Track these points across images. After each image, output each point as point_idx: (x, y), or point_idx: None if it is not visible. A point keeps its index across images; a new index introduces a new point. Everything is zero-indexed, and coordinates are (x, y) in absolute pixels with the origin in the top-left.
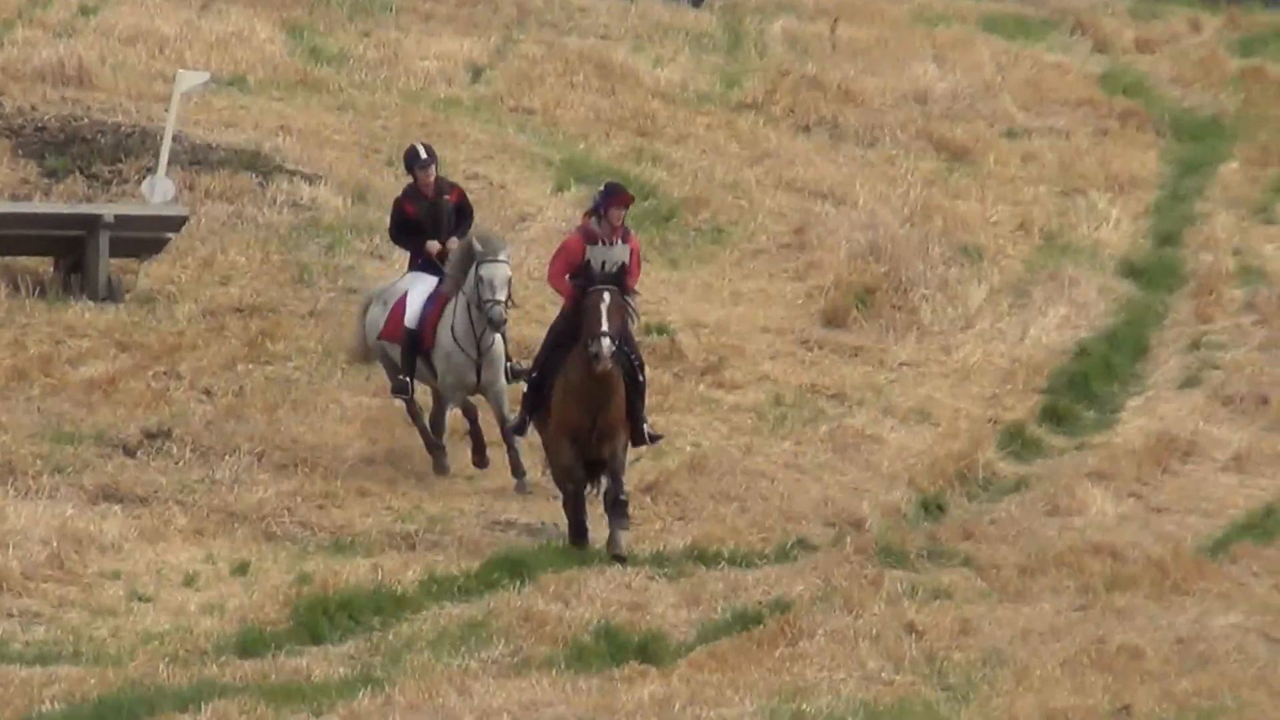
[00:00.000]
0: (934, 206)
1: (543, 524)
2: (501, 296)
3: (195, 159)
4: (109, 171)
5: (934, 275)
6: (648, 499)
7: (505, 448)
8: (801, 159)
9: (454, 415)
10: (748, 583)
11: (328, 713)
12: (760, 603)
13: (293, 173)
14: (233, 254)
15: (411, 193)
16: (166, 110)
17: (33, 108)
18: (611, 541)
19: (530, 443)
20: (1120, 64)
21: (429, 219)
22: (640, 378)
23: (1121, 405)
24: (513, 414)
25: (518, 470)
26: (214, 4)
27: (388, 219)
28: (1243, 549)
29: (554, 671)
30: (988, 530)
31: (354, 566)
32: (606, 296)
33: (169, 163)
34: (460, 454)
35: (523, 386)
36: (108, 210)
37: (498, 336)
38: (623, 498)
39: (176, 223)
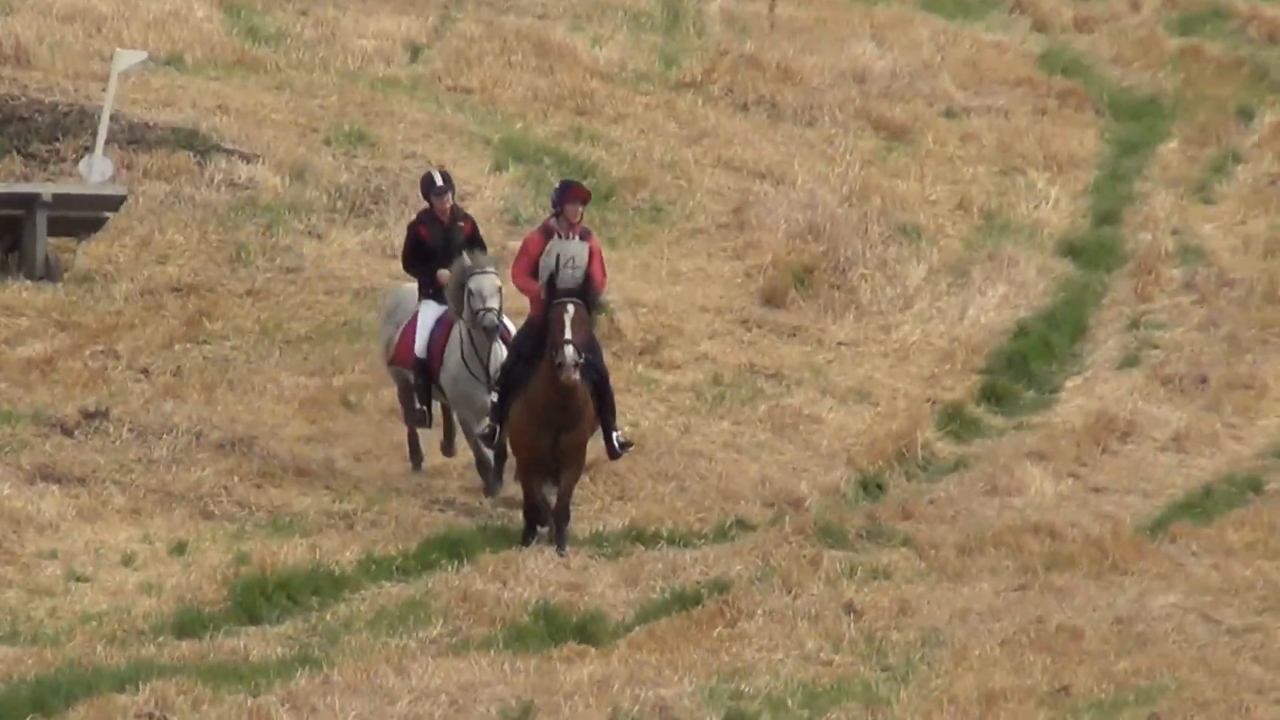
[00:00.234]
0: (873, 186)
1: (481, 504)
2: (493, 305)
3: (133, 138)
4: (46, 151)
5: (873, 255)
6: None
7: (476, 462)
8: (740, 138)
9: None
10: (686, 563)
11: (266, 693)
12: (699, 583)
13: (230, 152)
14: (170, 233)
15: (426, 218)
16: (104, 89)
17: None
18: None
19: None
20: (1059, 43)
21: (442, 245)
22: (606, 388)
23: (1060, 385)
24: None
25: (490, 490)
26: None
27: (399, 243)
28: (1182, 529)
29: (492, 652)
30: (927, 510)
31: (292, 546)
32: (570, 308)
33: (106, 142)
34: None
35: None
36: (45, 189)
37: (504, 354)
38: (570, 516)
39: (114, 202)
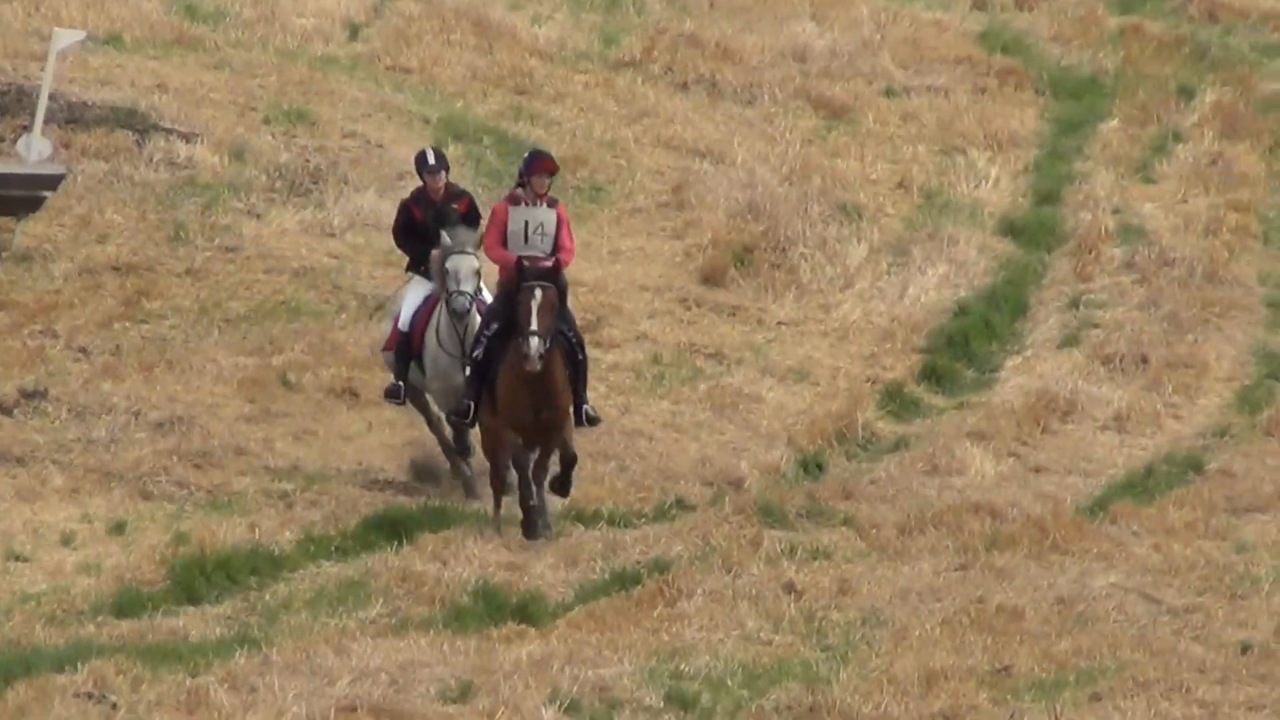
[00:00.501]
0: (813, 165)
1: (420, 484)
2: (467, 288)
3: (71, 117)
4: None
5: (813, 234)
6: None
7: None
8: (680, 117)
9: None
10: (626, 543)
11: (205, 673)
12: (639, 563)
13: (169, 131)
14: (109, 213)
15: (419, 197)
16: (43, 69)
17: None
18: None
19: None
20: (999, 21)
21: (434, 225)
22: (580, 356)
23: (1001, 364)
24: None
25: (470, 492)
26: None
27: (392, 220)
28: (1122, 508)
29: (432, 632)
30: (867, 490)
31: (231, 526)
32: (538, 294)
33: (45, 121)
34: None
35: None
36: None
37: None
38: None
39: (53, 181)
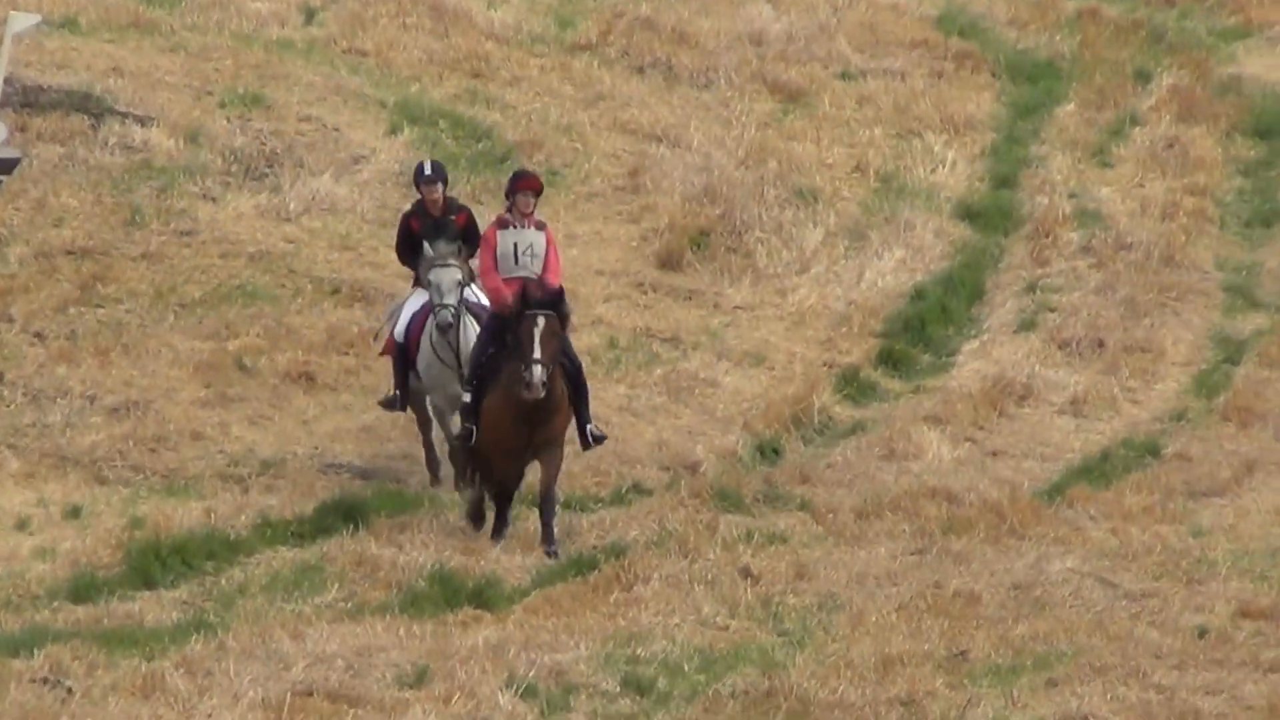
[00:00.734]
0: (769, 149)
1: (376, 468)
2: (450, 300)
3: (26, 101)
4: None
5: (769, 218)
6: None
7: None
8: (636, 101)
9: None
10: (583, 527)
11: (160, 657)
12: (595, 547)
13: (125, 115)
14: (65, 196)
15: (418, 209)
16: None
17: None
18: (545, 537)
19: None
20: (956, 5)
21: (432, 237)
22: (581, 379)
23: (957, 349)
24: None
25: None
26: None
27: (394, 234)
28: (1079, 493)
29: (388, 616)
30: (824, 474)
31: (187, 510)
32: (541, 322)
33: (0, 105)
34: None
35: None
36: None
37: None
38: (556, 507)
39: (8, 165)
